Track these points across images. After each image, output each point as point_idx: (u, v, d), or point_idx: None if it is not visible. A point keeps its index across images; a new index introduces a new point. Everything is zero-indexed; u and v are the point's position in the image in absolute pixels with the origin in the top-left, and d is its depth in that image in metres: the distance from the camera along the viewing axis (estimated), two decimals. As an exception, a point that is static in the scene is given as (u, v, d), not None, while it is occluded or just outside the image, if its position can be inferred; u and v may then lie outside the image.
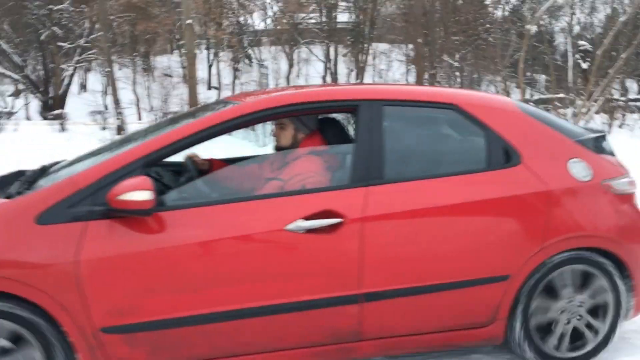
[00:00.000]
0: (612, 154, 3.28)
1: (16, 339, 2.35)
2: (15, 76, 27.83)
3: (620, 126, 17.08)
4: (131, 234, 2.41)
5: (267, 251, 2.57)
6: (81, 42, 27.71)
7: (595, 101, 15.55)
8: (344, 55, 38.01)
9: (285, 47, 38.65)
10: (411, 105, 3.03)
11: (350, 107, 2.91)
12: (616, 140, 6.07)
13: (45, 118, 25.83)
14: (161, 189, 2.79)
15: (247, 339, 2.59)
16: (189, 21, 17.29)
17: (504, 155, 2.91)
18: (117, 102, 20.49)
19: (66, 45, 26.55)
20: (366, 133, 2.77)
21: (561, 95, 17.65)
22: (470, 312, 2.88)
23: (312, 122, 3.23)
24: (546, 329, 2.98)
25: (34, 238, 2.32)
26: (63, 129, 19.32)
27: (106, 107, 25.43)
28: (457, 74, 23.59)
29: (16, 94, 32.60)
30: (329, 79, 36.90)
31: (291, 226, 2.56)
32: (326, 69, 36.59)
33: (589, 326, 3.03)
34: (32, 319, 2.32)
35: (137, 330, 2.43)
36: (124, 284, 2.41)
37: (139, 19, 30.06)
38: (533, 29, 18.46)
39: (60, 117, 19.92)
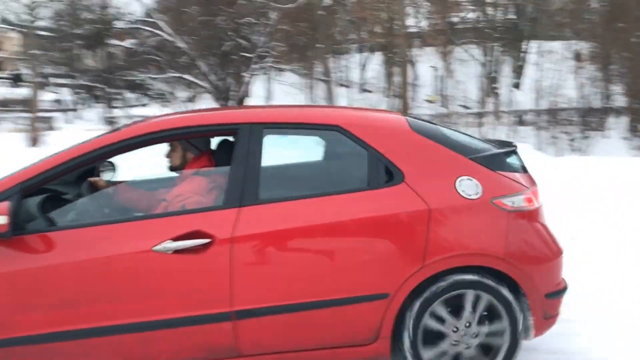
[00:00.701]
0: (518, 169, 3.16)
1: None
2: (202, 84, 31.06)
3: None
4: (3, 254, 2.58)
5: (135, 271, 2.66)
6: (258, 51, 30.15)
7: None
8: (502, 55, 37.18)
9: (440, 48, 38.65)
10: (293, 128, 3.09)
11: (231, 130, 2.98)
12: None
13: None
14: (54, 210, 2.94)
15: (124, 354, 2.67)
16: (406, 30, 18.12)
17: (385, 174, 2.88)
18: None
19: (250, 55, 29.08)
20: (243, 155, 2.81)
21: None
22: (350, 330, 2.85)
23: (203, 143, 3.36)
24: (437, 350, 2.91)
25: None
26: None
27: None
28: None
29: (191, 99, 36.40)
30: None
31: (158, 247, 2.64)
32: (486, 69, 36.00)
33: (486, 347, 2.93)
34: None
35: (12, 345, 2.56)
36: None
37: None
38: None
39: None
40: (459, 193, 2.88)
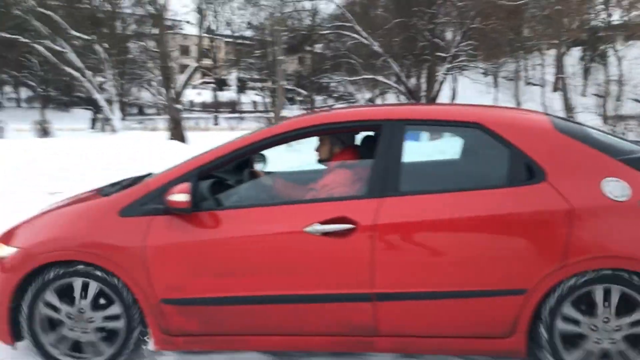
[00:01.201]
0: None
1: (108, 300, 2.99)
2: (394, 85, 31.72)
3: None
4: (181, 227, 2.89)
5: (288, 248, 2.87)
6: (453, 50, 29.90)
7: None
8: None
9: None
10: (433, 125, 3.22)
11: (375, 126, 3.15)
12: None
13: None
14: (220, 193, 3.18)
15: (272, 321, 2.92)
16: None
17: (526, 172, 2.84)
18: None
19: (444, 55, 29.01)
20: (385, 150, 2.94)
21: None
22: (486, 322, 2.86)
23: (348, 138, 3.52)
24: (574, 345, 2.83)
25: (116, 227, 2.92)
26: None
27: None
28: None
29: (373, 99, 37.34)
30: None
31: (309, 228, 2.82)
32: None
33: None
34: (118, 286, 2.93)
35: (187, 304, 2.90)
36: (175, 266, 2.89)
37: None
38: None
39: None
40: (604, 194, 2.79)
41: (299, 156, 4.81)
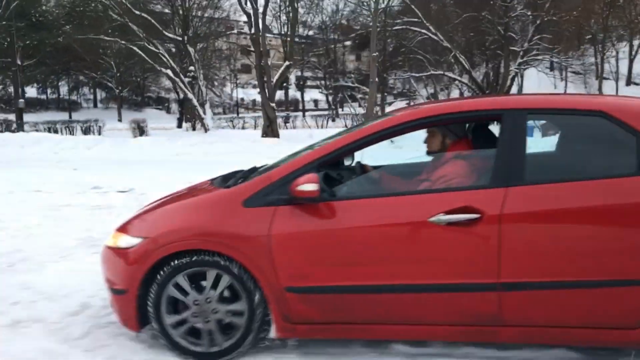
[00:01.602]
0: None
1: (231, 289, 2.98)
2: (463, 80, 31.22)
3: None
4: (305, 217, 2.89)
5: (412, 238, 2.86)
6: (525, 45, 29.15)
7: None
8: None
9: None
10: (555, 114, 3.17)
11: (495, 116, 3.06)
12: None
13: None
14: (337, 184, 3.22)
15: (395, 311, 2.90)
16: None
17: None
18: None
19: (516, 48, 28.33)
20: (508, 139, 2.90)
21: None
22: (616, 312, 2.78)
23: (460, 129, 3.41)
24: None
25: (241, 217, 2.93)
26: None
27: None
28: None
29: (434, 95, 36.84)
30: None
31: (433, 219, 2.77)
32: None
33: None
34: (240, 275, 2.92)
35: (310, 292, 2.89)
36: (299, 255, 2.90)
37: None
38: None
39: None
40: None
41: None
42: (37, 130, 21.53)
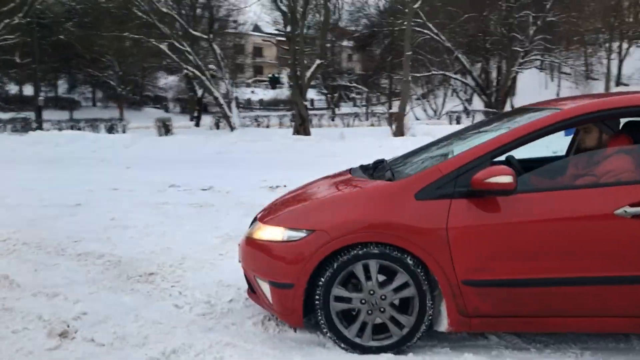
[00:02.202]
0: None
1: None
2: (464, 80, 31.66)
3: None
4: (485, 210, 2.89)
5: (596, 231, 2.86)
6: (527, 46, 29.69)
7: None
8: None
9: None
10: None
11: None
12: None
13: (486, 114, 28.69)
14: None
15: (572, 303, 2.89)
16: None
17: None
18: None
19: (518, 49, 28.83)
20: None
21: None
22: None
23: (615, 124, 3.48)
24: None
25: (415, 209, 2.92)
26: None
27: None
28: None
29: (425, 96, 37.17)
30: None
31: (619, 211, 2.80)
32: None
33: None
34: (415, 267, 2.89)
35: (484, 286, 2.88)
36: (477, 248, 2.88)
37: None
38: None
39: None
40: None
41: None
42: (59, 129, 21.19)
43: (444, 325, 2.93)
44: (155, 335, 3.08)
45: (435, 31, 30.08)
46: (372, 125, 30.38)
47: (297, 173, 9.35)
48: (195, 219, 6.21)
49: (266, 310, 3.31)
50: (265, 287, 3.08)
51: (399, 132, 16.87)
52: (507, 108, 29.87)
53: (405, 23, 19.67)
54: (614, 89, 40.03)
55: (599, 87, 38.03)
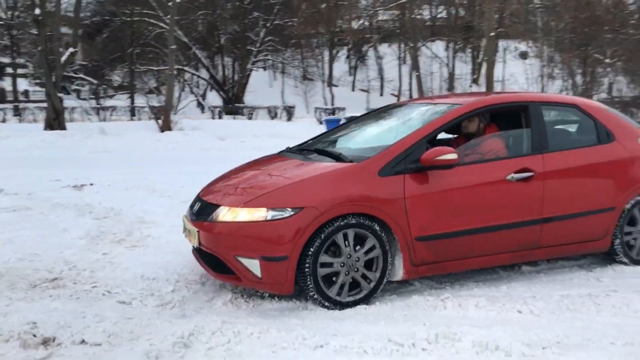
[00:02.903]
0: None
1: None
2: (200, 75, 32.24)
3: None
4: (430, 181, 3.69)
5: (496, 191, 3.89)
6: (258, 46, 31.91)
7: None
8: (457, 52, 41.09)
9: (403, 44, 41.89)
10: (554, 106, 4.55)
11: (523, 107, 4.31)
12: None
13: (226, 112, 30.15)
14: None
15: (482, 246, 3.88)
16: (491, 34, 21.36)
17: (606, 136, 4.43)
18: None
19: (253, 48, 30.80)
20: (538, 121, 4.19)
21: None
22: (594, 230, 4.28)
23: (487, 116, 4.48)
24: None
25: (380, 184, 3.58)
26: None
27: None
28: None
29: (153, 91, 37.13)
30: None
31: (509, 177, 3.91)
32: (448, 65, 39.60)
33: None
34: (381, 231, 3.57)
35: (430, 239, 3.70)
36: (425, 211, 3.67)
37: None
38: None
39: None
40: None
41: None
42: None
43: (399, 275, 3.59)
44: (141, 328, 3.00)
45: (169, 23, 29.92)
46: (132, 119, 28.57)
47: (87, 171, 8.86)
48: (25, 223, 5.54)
49: (242, 287, 3.59)
50: (251, 264, 3.30)
51: (166, 126, 16.58)
52: (247, 103, 31.53)
53: (169, 17, 19.25)
54: (326, 90, 45.63)
55: (317, 86, 42.70)
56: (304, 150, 4.36)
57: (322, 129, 19.93)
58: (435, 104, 4.39)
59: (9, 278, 3.82)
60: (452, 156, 3.62)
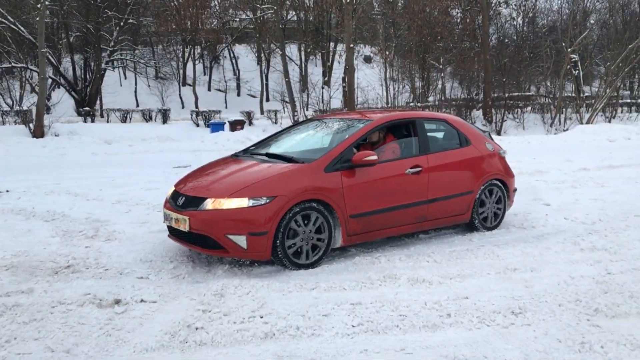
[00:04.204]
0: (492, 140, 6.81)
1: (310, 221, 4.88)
2: (53, 77, 30.54)
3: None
4: (357, 175, 5.14)
5: (399, 182, 5.49)
6: (110, 45, 31.16)
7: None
8: (308, 55, 43.50)
9: (255, 45, 43.17)
10: (431, 121, 6.32)
11: (411, 122, 5.98)
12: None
13: (79, 114, 29.19)
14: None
15: (392, 220, 5.44)
16: (351, 45, 22.98)
17: (465, 142, 6.28)
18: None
19: (107, 47, 30.02)
20: (422, 131, 5.91)
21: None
22: (460, 208, 6.09)
23: (385, 128, 5.93)
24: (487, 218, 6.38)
25: (326, 178, 4.99)
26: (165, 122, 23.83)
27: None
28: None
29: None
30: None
31: (407, 171, 5.55)
32: (300, 68, 41.67)
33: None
34: (325, 212, 4.94)
35: (359, 217, 5.17)
36: (355, 196, 5.13)
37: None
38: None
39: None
40: (487, 149, 6.36)
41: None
42: None
43: (339, 243, 4.97)
44: (177, 290, 3.99)
45: (12, 21, 28.03)
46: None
47: None
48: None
49: (232, 258, 4.71)
50: (239, 239, 4.44)
51: (39, 132, 15.94)
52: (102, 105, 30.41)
53: (38, 19, 18.30)
54: (181, 89, 45.30)
55: (173, 86, 42.26)
56: (254, 154, 5.64)
57: (201, 131, 20.60)
58: (351, 119, 5.95)
59: (23, 268, 4.47)
60: (374, 157, 5.10)
